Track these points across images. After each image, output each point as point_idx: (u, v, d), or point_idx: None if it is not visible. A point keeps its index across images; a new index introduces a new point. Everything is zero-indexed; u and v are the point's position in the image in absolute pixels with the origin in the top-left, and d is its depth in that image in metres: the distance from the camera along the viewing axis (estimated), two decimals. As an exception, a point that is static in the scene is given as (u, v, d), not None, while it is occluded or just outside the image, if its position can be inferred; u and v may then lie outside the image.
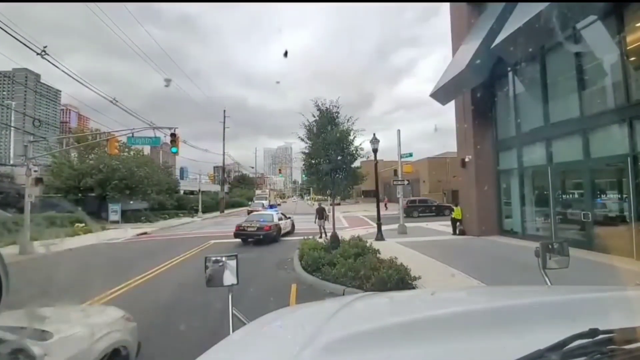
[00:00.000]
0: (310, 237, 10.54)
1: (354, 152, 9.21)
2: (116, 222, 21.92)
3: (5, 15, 10.02)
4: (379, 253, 7.73)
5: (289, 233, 15.44)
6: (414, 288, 5.64)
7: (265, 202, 35.85)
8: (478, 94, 12.42)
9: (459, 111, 13.62)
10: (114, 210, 22.72)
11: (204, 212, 33.44)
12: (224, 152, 40.42)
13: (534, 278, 1.88)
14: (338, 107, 9.21)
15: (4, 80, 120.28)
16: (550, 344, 0.69)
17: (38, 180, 14.91)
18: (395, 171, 18.07)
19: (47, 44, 11.31)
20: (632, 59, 7.84)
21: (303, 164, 9.88)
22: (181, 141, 16.76)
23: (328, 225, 12.31)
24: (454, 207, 13.80)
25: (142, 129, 15.13)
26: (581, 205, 9.19)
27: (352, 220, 22.22)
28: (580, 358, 0.66)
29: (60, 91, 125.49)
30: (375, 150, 12.60)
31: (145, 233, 18.55)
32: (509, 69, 11.79)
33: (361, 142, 9.45)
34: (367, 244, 8.48)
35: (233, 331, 1.33)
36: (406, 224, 14.55)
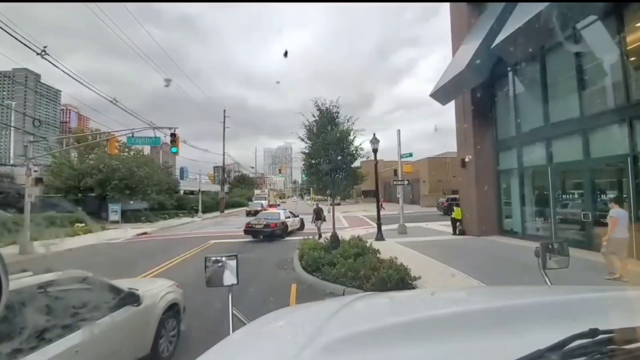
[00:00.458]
0: (310, 237, 10.55)
1: (354, 152, 9.21)
2: (116, 222, 21.93)
3: (5, 15, 10.03)
4: (379, 253, 7.73)
5: (298, 230, 16.39)
6: (414, 288, 5.64)
7: (265, 202, 35.82)
8: (478, 94, 12.42)
9: (459, 111, 13.62)
10: (114, 210, 22.72)
11: (204, 212, 33.44)
12: (224, 152, 40.46)
13: (534, 278, 1.88)
14: (338, 107, 9.22)
15: (4, 80, 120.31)
16: (550, 344, 0.69)
17: (38, 180, 14.91)
18: (395, 171, 18.07)
19: (47, 44, 11.33)
20: (632, 59, 7.83)
21: (303, 164, 9.88)
22: (181, 141, 16.77)
23: (328, 226, 12.32)
24: (455, 207, 13.79)
25: (142, 129, 15.13)
26: (581, 205, 9.19)
27: (352, 220, 22.21)
28: (580, 358, 0.67)
29: (60, 91, 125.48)
30: (375, 150, 12.59)
31: (145, 233, 18.55)
32: (509, 69, 11.79)
33: (361, 142, 9.46)
34: (367, 244, 8.48)
35: (233, 331, 1.33)
36: (406, 224, 14.55)
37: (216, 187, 46.78)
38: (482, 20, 11.89)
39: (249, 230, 14.06)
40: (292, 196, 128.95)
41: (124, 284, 3.51)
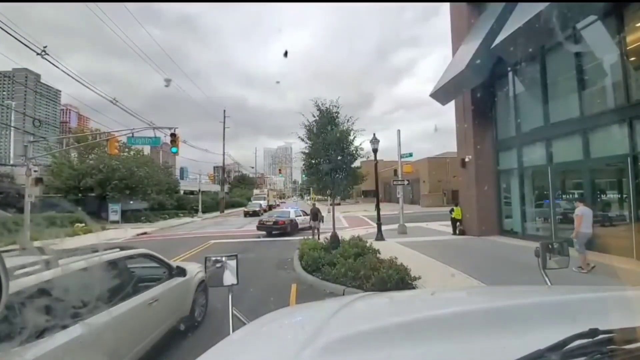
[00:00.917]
0: (310, 237, 10.55)
1: (354, 152, 9.20)
2: (116, 222, 21.94)
3: (5, 15, 10.03)
4: (379, 253, 7.73)
5: (307, 228, 16.96)
6: (414, 288, 5.64)
7: (264, 203, 35.65)
8: (478, 94, 12.42)
9: (459, 111, 13.62)
10: (114, 210, 22.74)
11: (204, 212, 33.45)
12: (224, 152, 40.46)
13: (534, 278, 1.88)
14: (338, 107, 9.21)
15: (4, 80, 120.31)
16: (550, 344, 0.69)
17: (38, 180, 14.92)
18: (395, 171, 18.07)
19: (47, 44, 11.34)
20: (632, 59, 7.83)
21: (303, 164, 9.87)
22: (181, 141, 16.77)
23: (328, 226, 12.33)
24: (454, 207, 13.78)
25: (142, 129, 15.14)
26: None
27: (352, 220, 22.21)
28: (580, 358, 0.67)
29: (60, 91, 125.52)
30: (375, 150, 12.59)
31: (145, 233, 18.55)
32: (509, 69, 11.79)
33: (361, 142, 9.45)
34: (367, 244, 8.47)
35: (233, 331, 1.33)
36: (406, 224, 14.55)
37: (216, 187, 46.78)
38: (482, 20, 11.89)
39: (262, 226, 15.62)
40: (292, 196, 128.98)
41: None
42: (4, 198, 20.65)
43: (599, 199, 8.98)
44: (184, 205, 33.60)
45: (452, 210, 13.72)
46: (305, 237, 11.46)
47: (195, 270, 4.66)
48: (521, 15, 8.49)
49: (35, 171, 14.04)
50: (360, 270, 6.21)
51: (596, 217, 8.72)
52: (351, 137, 9.10)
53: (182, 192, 39.57)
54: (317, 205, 14.15)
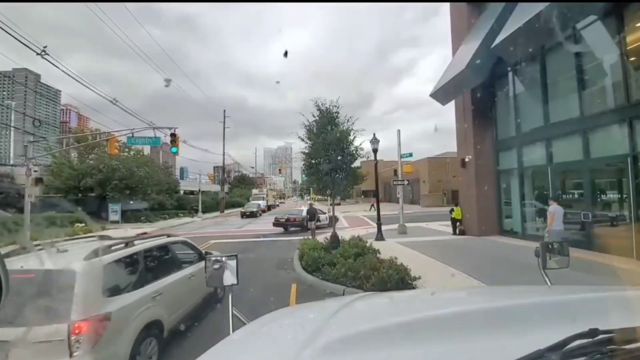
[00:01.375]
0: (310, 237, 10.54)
1: (354, 152, 9.20)
2: (116, 222, 21.94)
3: (5, 15, 10.04)
4: (379, 253, 7.72)
5: (329, 226, 17.88)
6: (414, 288, 5.64)
7: (262, 203, 35.35)
8: (478, 94, 12.41)
9: (459, 111, 13.62)
10: (114, 210, 22.74)
11: (204, 212, 33.43)
12: (224, 152, 40.45)
13: (534, 278, 1.88)
14: (338, 107, 9.20)
15: (4, 80, 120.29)
16: (550, 344, 0.69)
17: (38, 180, 14.92)
18: (395, 171, 18.06)
19: (47, 44, 11.34)
20: (632, 59, 7.83)
21: (303, 164, 9.86)
22: (181, 141, 16.77)
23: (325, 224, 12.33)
24: (454, 207, 13.78)
25: (142, 129, 15.14)
26: (581, 205, 9.19)
27: (352, 220, 22.21)
28: (580, 358, 0.67)
29: (60, 91, 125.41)
30: (375, 150, 12.59)
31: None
32: (509, 69, 11.79)
33: (361, 142, 9.44)
34: (367, 244, 8.46)
35: (233, 331, 1.33)
36: (406, 224, 14.55)
37: (216, 187, 46.73)
38: (482, 20, 11.89)
39: (277, 223, 17.71)
40: (292, 196, 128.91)
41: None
42: (4, 198, 20.67)
43: (599, 199, 8.98)
44: (184, 205, 33.58)
45: (452, 210, 13.72)
46: (306, 237, 11.46)
47: (217, 255, 5.90)
48: (521, 15, 8.49)
49: (35, 171, 14.03)
50: (360, 270, 6.21)
51: (596, 217, 8.78)
52: (351, 137, 9.10)
53: (182, 192, 39.55)
54: (317, 205, 14.20)
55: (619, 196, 8.43)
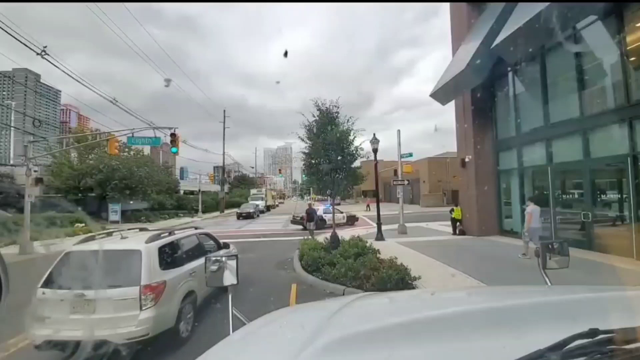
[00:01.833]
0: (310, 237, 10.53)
1: (354, 152, 9.19)
2: (116, 222, 21.92)
3: (5, 15, 10.03)
4: (379, 253, 7.73)
5: (346, 225, 19.14)
6: (414, 288, 5.64)
7: (261, 203, 34.87)
8: (478, 94, 12.41)
9: (459, 111, 13.62)
10: (114, 210, 22.74)
11: (204, 212, 33.44)
12: (224, 152, 40.44)
13: (534, 278, 1.88)
14: (338, 107, 9.19)
15: (4, 80, 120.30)
16: (550, 344, 0.69)
17: (38, 180, 14.90)
18: (395, 171, 18.06)
19: (47, 44, 11.33)
20: (632, 59, 7.83)
21: (303, 164, 9.86)
22: (181, 141, 16.77)
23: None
24: (454, 207, 13.78)
25: (142, 129, 15.12)
26: (581, 205, 9.19)
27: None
28: (580, 358, 0.67)
29: (60, 91, 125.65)
30: (375, 150, 12.59)
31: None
32: (509, 69, 11.79)
33: (361, 142, 9.43)
34: (367, 244, 8.47)
35: (233, 331, 1.33)
36: (406, 224, 14.55)
37: (216, 187, 46.69)
38: (482, 20, 11.89)
39: (294, 221, 18.94)
40: (292, 196, 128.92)
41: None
42: (4, 198, 20.65)
43: (599, 199, 8.98)
44: (184, 205, 33.57)
45: (452, 210, 13.72)
46: (305, 237, 11.45)
47: (232, 247, 7.06)
48: (521, 15, 8.49)
49: (35, 171, 14.03)
50: (360, 270, 6.22)
51: (596, 217, 8.78)
52: (351, 137, 9.09)
53: (182, 192, 39.54)
54: (316, 205, 14.21)
55: (619, 196, 8.43)
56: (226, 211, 37.02)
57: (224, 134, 40.58)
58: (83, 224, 18.51)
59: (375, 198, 14.74)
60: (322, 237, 9.85)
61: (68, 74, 12.39)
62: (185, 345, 4.20)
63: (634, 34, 7.78)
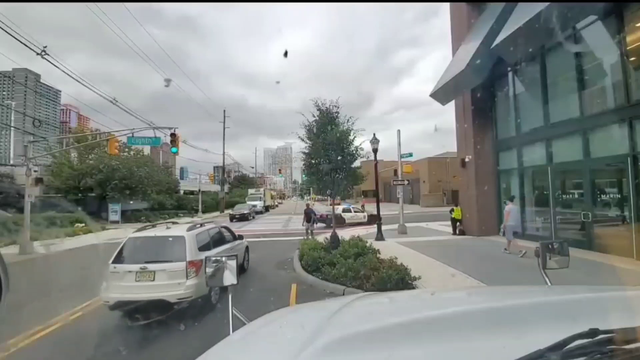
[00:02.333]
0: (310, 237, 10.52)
1: (354, 152, 9.20)
2: (116, 222, 21.95)
3: (5, 15, 10.03)
4: (379, 253, 7.73)
5: (366, 224, 19.40)
6: (414, 288, 5.64)
7: (259, 203, 34.46)
8: (478, 94, 12.41)
9: (459, 111, 13.62)
10: (114, 210, 22.74)
11: (204, 212, 33.43)
12: (224, 152, 40.42)
13: (534, 278, 1.88)
14: (338, 107, 9.20)
15: (4, 80, 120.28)
16: (550, 344, 0.69)
17: (38, 180, 14.91)
18: (395, 171, 18.07)
19: (47, 44, 11.33)
20: (632, 59, 7.83)
21: (303, 164, 9.86)
22: (181, 141, 16.75)
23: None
24: (454, 207, 13.78)
25: (142, 129, 15.11)
26: (581, 205, 9.19)
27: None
28: (580, 358, 0.67)
29: (60, 91, 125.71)
30: (375, 150, 12.59)
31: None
32: (509, 69, 11.79)
33: (361, 142, 9.44)
34: (367, 244, 8.47)
35: (233, 331, 1.33)
36: (406, 224, 14.55)
37: (216, 187, 46.66)
38: (482, 20, 11.89)
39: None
40: (292, 196, 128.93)
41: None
42: (4, 198, 20.66)
43: (599, 199, 8.98)
44: (184, 205, 33.55)
45: (452, 210, 13.72)
46: (305, 237, 11.46)
47: (244, 239, 8.46)
48: (521, 15, 8.49)
49: (35, 171, 14.03)
50: (360, 270, 6.22)
51: (596, 217, 8.78)
52: (351, 137, 9.10)
53: (182, 192, 39.50)
54: (315, 206, 14.21)
55: (619, 196, 8.43)
56: (226, 211, 36.96)
57: (224, 134, 40.59)
58: (83, 224, 18.51)
59: (374, 198, 14.74)
60: (322, 237, 9.85)
61: (68, 74, 12.40)
62: (214, 311, 5.26)
63: (634, 34, 7.78)
